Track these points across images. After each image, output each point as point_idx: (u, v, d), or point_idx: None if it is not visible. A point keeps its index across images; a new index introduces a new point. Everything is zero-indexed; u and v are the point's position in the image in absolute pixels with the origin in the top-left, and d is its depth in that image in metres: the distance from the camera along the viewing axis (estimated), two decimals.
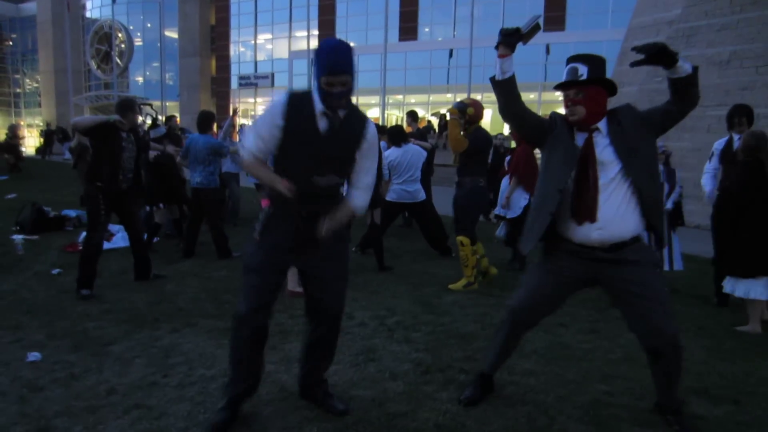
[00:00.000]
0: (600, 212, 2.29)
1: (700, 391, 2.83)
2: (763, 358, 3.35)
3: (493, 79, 2.39)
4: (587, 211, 2.30)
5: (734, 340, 3.68)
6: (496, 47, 2.33)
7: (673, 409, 2.48)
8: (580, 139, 2.38)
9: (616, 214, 2.29)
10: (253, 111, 36.67)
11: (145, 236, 5.45)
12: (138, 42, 40.24)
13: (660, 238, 2.41)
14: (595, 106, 2.35)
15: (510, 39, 2.31)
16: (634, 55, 2.28)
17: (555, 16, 26.64)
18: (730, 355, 3.40)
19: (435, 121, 20.84)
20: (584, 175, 2.32)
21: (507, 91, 2.38)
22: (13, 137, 15.59)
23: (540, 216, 2.42)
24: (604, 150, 2.32)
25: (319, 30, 33.48)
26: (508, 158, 5.61)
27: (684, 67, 2.20)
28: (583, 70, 2.33)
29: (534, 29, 2.34)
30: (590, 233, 2.32)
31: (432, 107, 29.46)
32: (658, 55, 2.19)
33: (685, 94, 2.26)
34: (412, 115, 8.37)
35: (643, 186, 2.30)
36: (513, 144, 5.91)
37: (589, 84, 2.33)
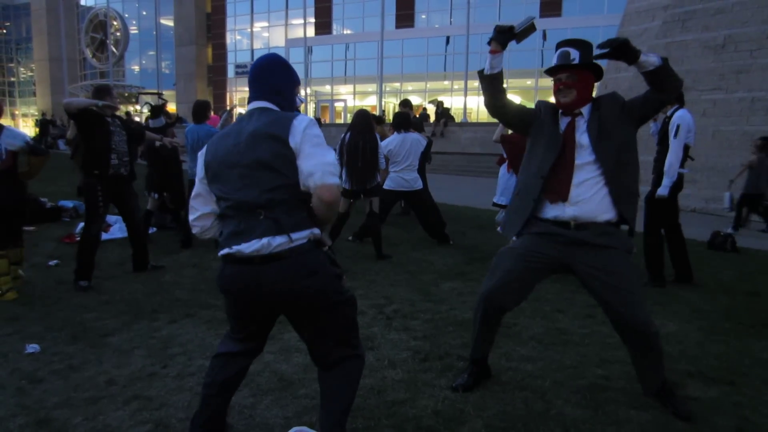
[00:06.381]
0: (575, 191, 2.35)
1: (696, 373, 2.85)
2: (757, 339, 3.38)
3: (481, 73, 2.51)
4: (560, 190, 2.37)
5: (729, 321, 3.70)
6: (489, 42, 2.42)
7: (659, 391, 2.49)
8: (563, 123, 2.46)
9: (590, 195, 2.35)
10: None
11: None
12: (133, 30, 39.87)
13: (630, 228, 2.42)
14: (585, 90, 2.44)
15: (503, 36, 2.41)
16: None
17: (552, 1, 26.43)
18: (724, 336, 3.42)
19: (432, 109, 20.78)
20: (561, 156, 2.39)
21: (493, 86, 2.50)
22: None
23: (524, 202, 2.48)
24: (582, 134, 2.40)
25: (316, 17, 33.18)
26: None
27: (650, 60, 2.26)
28: (575, 55, 2.41)
29: (528, 29, 2.44)
30: (564, 209, 2.38)
31: (429, 95, 29.35)
32: (620, 49, 2.25)
33: (660, 84, 2.31)
34: (407, 104, 8.19)
35: (610, 173, 2.34)
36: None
37: (580, 68, 2.41)
